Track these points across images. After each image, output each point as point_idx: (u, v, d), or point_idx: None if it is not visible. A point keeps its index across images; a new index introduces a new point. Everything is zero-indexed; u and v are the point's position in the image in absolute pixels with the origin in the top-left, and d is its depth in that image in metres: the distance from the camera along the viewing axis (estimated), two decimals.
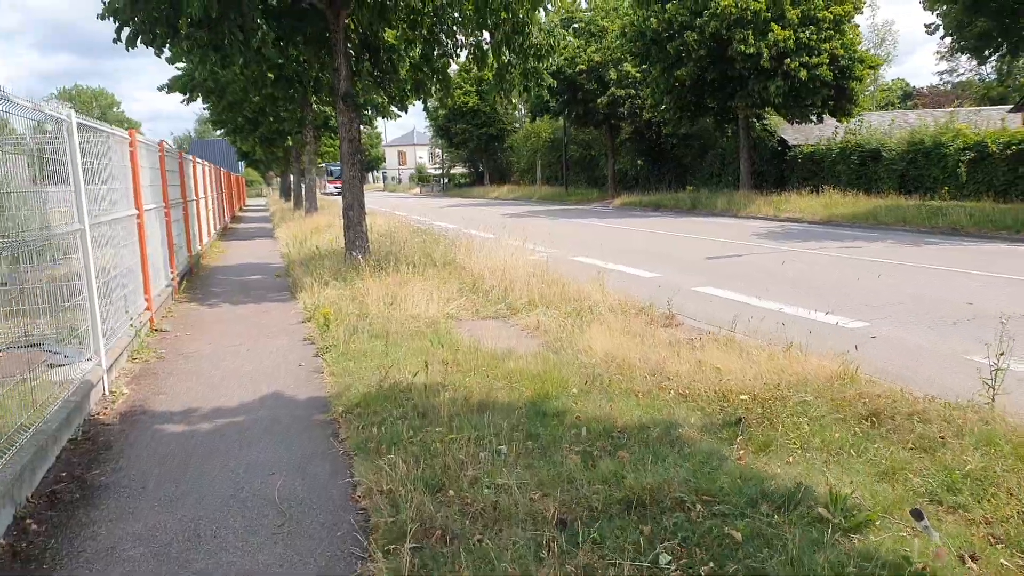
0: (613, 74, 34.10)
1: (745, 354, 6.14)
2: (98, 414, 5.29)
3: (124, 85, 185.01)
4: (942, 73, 41.15)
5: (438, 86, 12.05)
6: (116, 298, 6.56)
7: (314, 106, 21.13)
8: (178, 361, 6.82)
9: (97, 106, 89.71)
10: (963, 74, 37.55)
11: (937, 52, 45.36)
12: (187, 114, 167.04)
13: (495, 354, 6.30)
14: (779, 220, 21.95)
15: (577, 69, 34.52)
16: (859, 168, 24.90)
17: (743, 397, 5.17)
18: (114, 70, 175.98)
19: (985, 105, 36.52)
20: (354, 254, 11.24)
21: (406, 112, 14.10)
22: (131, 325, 6.96)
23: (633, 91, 34.27)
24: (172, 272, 10.44)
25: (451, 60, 12.12)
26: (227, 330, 8.20)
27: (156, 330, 8.12)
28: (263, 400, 5.61)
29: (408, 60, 12.22)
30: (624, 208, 31.16)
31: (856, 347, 5.87)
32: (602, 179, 43.13)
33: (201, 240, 15.68)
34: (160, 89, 21.59)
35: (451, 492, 3.74)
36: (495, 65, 11.38)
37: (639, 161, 39.51)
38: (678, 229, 20.16)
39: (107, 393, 5.68)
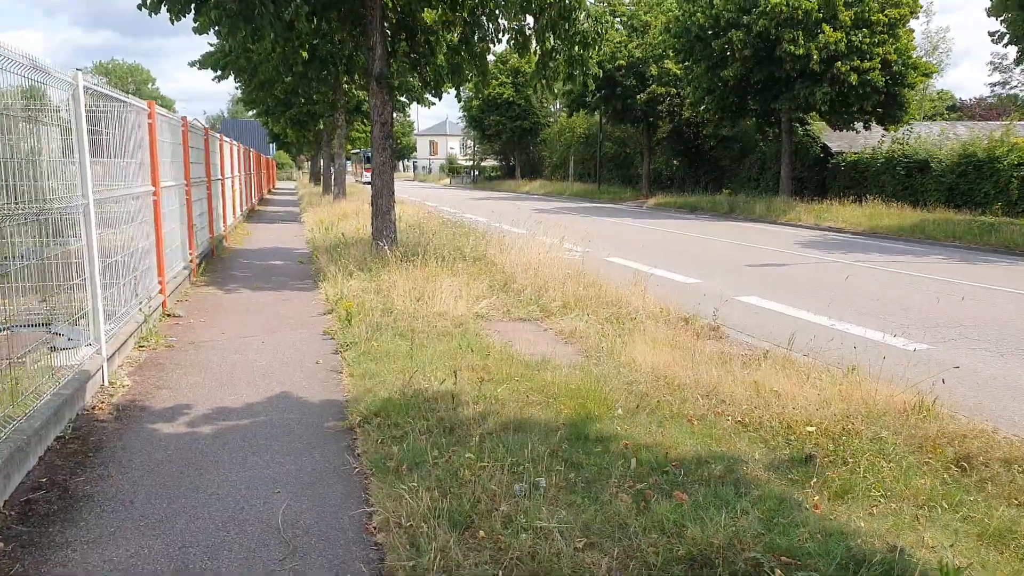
0: (653, 70, 33.31)
1: (805, 377, 5.52)
2: (93, 408, 4.82)
3: (162, 64, 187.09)
4: (994, 85, 39.77)
5: (475, 72, 11.49)
6: (125, 280, 6.10)
7: (346, 87, 20.68)
8: (187, 351, 6.35)
9: (132, 82, 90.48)
10: (1016, 86, 36.18)
11: (991, 63, 43.86)
12: (222, 94, 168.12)
13: (529, 363, 5.75)
14: (820, 229, 21.10)
15: (617, 64, 33.75)
16: (905, 179, 23.92)
17: (809, 429, 4.57)
18: (154, 48, 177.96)
19: None
20: (381, 244, 10.74)
21: (440, 99, 13.53)
22: (140, 310, 6.51)
23: (674, 89, 33.46)
24: (191, 254, 10.02)
25: (491, 45, 11.55)
26: (243, 319, 7.73)
27: (169, 315, 7.68)
28: (273, 401, 5.11)
29: (446, 43, 11.67)
30: (658, 209, 30.40)
31: (942, 380, 5.20)
32: (635, 178, 42.32)
33: (225, 221, 15.31)
34: (192, 65, 21.33)
35: (481, 532, 3.19)
36: (538, 52, 10.78)
37: (675, 161, 38.64)
38: (715, 233, 19.43)
39: (106, 384, 5.22)
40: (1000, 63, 37.22)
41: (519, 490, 3.54)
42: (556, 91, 11.10)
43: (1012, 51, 19.98)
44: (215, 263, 11.87)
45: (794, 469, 4.02)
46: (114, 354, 5.51)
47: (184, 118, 9.80)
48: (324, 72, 21.14)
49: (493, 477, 3.62)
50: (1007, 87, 37.18)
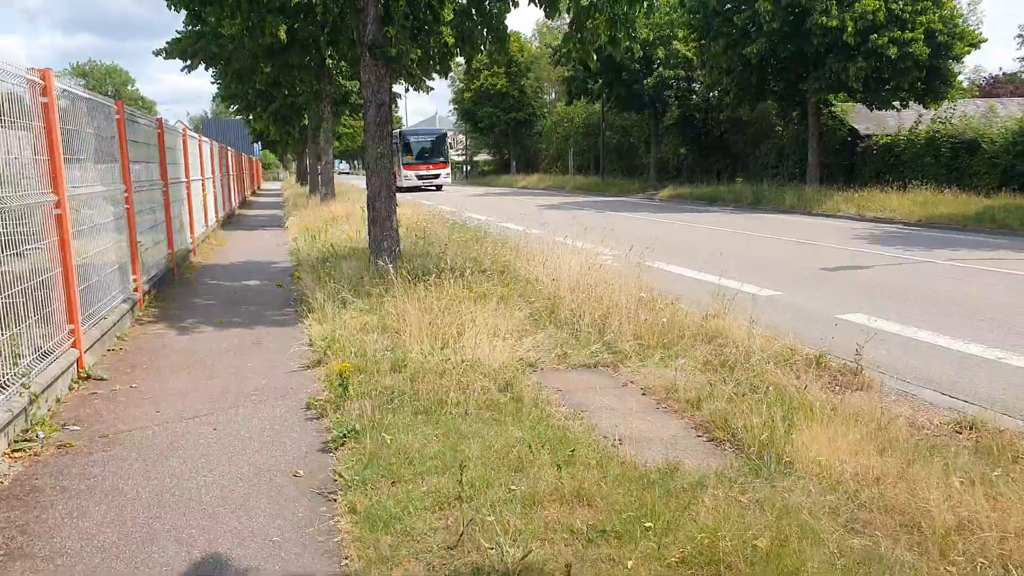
0: (660, 53, 31.07)
1: None
2: None
3: (146, 67, 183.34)
4: (1022, 59, 37.65)
5: (490, 39, 9.18)
6: None
7: (330, 62, 18.25)
8: (90, 458, 4.04)
9: (111, 83, 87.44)
10: None
11: (1019, 35, 41.72)
12: (207, 95, 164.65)
13: (647, 477, 3.48)
14: (866, 220, 18.91)
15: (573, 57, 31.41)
16: (950, 162, 21.74)
17: None
18: (137, 51, 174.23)
19: None
20: (381, 259, 8.45)
21: (445, 76, 11.04)
22: (24, 387, 4.21)
23: (683, 72, 31.22)
24: (135, 280, 7.71)
25: (509, 6, 9.26)
26: (193, 382, 5.43)
27: (86, 378, 5.37)
28: None
29: (453, 5, 9.36)
30: (674, 201, 28.14)
31: None
32: (640, 168, 40.06)
33: (193, 232, 12.97)
34: (157, 54, 18.88)
35: None
36: (571, 11, 8.51)
37: (682, 150, 36.36)
38: (753, 228, 17.18)
39: None
40: None
41: None
42: (593, 59, 8.68)
43: None
44: (174, 287, 9.53)
45: None
46: None
47: (120, 102, 7.48)
48: (306, 58, 18.81)
49: None
50: None
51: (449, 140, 40.25)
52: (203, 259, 12.28)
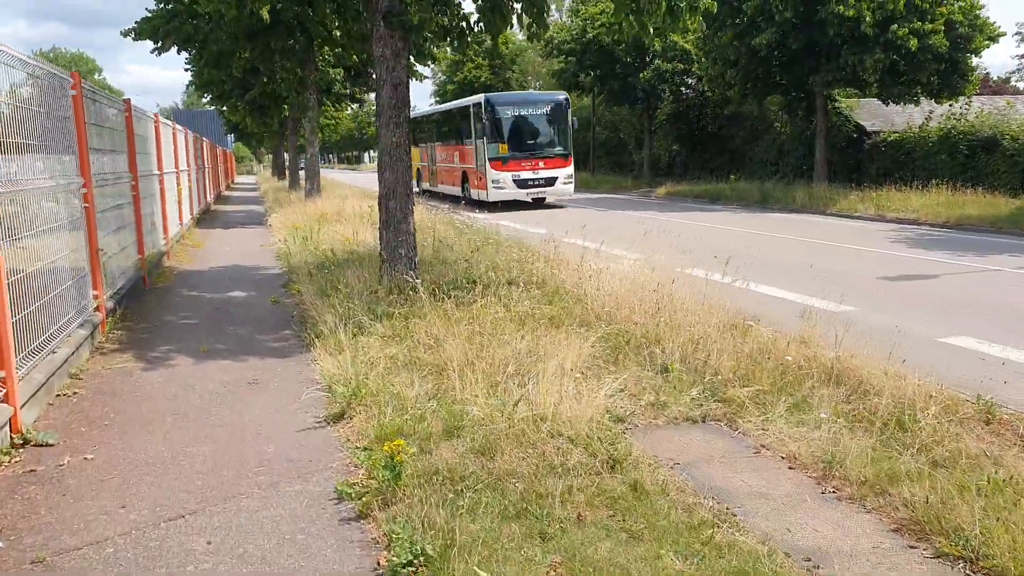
0: (657, 44, 29.86)
1: None
2: None
3: (115, 57, 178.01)
4: (1021, 57, 37.02)
5: (529, 11, 7.76)
6: None
7: (326, 29, 16.68)
8: None
9: (77, 72, 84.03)
10: None
11: (1017, 33, 41.28)
12: (177, 86, 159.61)
13: None
14: (887, 220, 17.86)
15: (615, 38, 30.15)
16: (966, 160, 20.78)
17: None
18: (105, 43, 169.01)
19: None
20: (397, 269, 7.06)
21: (464, 53, 9.37)
22: None
23: (680, 65, 30.06)
24: (96, 296, 6.22)
25: None
26: (171, 449, 4.00)
27: (21, 445, 3.92)
28: None
29: None
30: (673, 199, 26.94)
31: None
32: (630, 165, 38.81)
33: (167, 231, 11.43)
34: (125, 35, 17.16)
35: None
36: None
37: (674, 146, 35.21)
38: (772, 229, 16.01)
39: None
40: None
41: None
42: (650, 34, 7.27)
43: None
44: (145, 301, 8.03)
45: None
46: None
47: (75, 73, 5.99)
48: (290, 40, 17.25)
49: None
50: None
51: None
52: (179, 264, 10.74)
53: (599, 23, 29.52)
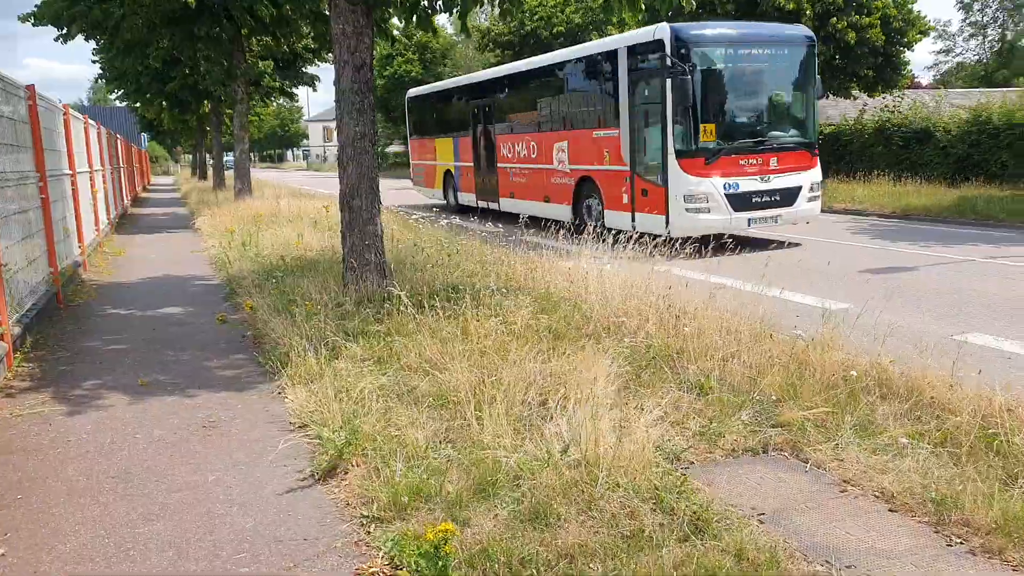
0: (595, 38, 29.51)
1: None
2: None
3: (12, 52, 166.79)
4: (938, 52, 38.61)
5: None
6: None
7: (247, 34, 15.47)
8: None
9: None
10: (961, 53, 34.92)
11: (934, 28, 42.65)
12: (83, 83, 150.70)
13: None
14: (835, 212, 17.89)
15: (554, 31, 29.69)
16: (901, 151, 21.18)
17: None
18: (3, 35, 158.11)
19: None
20: (366, 277, 6.18)
21: (434, 33, 8.21)
22: None
23: None
24: None
25: None
26: (115, 538, 3.06)
27: None
28: None
29: None
30: None
31: None
32: None
33: (82, 238, 10.11)
34: (25, 20, 15.40)
35: None
36: None
37: None
38: None
39: None
40: (943, 31, 35.87)
41: None
42: (640, 9, 6.58)
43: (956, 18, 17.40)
44: (62, 323, 6.84)
45: None
46: None
47: None
48: (215, 28, 15.89)
49: None
50: (950, 55, 35.88)
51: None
52: (99, 276, 9.46)
53: (537, 16, 28.97)
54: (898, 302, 7.59)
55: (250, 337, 6.00)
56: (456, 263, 7.30)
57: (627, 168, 11.23)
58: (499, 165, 15.53)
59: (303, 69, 21.74)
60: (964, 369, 4.24)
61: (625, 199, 11.39)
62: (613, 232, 7.51)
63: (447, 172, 18.14)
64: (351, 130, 6.22)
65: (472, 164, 16.82)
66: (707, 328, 5.08)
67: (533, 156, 14.23)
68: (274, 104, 40.13)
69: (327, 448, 3.55)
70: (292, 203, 15.46)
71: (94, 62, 22.75)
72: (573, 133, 12.91)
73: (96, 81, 41.81)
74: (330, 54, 20.56)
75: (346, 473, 3.41)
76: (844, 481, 3.41)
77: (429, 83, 47.95)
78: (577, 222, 11.94)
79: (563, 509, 2.87)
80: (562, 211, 13.06)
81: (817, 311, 5.63)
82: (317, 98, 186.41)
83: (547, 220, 11.20)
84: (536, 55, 29.37)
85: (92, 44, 19.00)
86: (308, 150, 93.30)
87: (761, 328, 5.18)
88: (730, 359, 4.61)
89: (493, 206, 15.90)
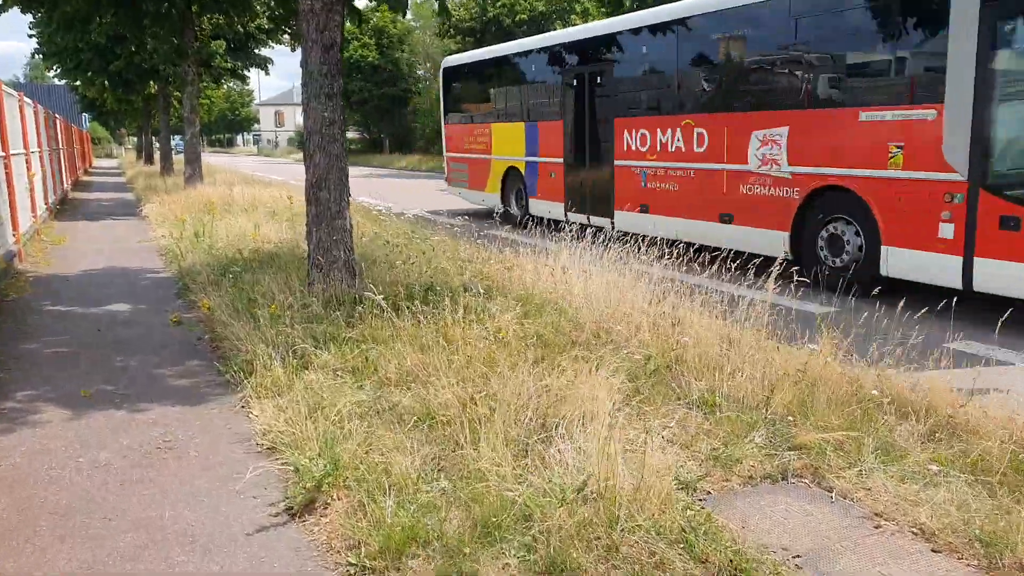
0: (559, 27, 29.16)
1: None
2: None
3: None
4: None
5: None
6: None
7: (198, 11, 14.65)
8: None
9: None
10: None
11: None
12: (18, 60, 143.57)
13: None
14: None
15: (517, 19, 29.24)
16: None
17: None
18: None
19: None
20: (334, 276, 5.72)
21: (404, 14, 7.65)
22: None
23: None
24: None
25: None
26: None
27: None
28: None
29: None
30: None
31: None
32: None
33: (17, 225, 9.34)
34: None
35: None
36: None
37: None
38: None
39: None
40: None
41: None
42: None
43: None
44: None
45: None
46: None
47: None
48: (165, 4, 14.99)
49: None
50: None
51: None
52: (36, 267, 8.72)
53: (500, 3, 28.45)
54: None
55: (207, 340, 5.48)
56: (428, 259, 6.87)
57: (958, 176, 6.32)
58: (617, 163, 10.44)
59: (256, 51, 20.88)
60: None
61: (945, 232, 6.46)
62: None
63: (510, 170, 13.16)
64: (319, 115, 5.72)
65: (561, 160, 11.72)
66: (704, 338, 4.78)
67: (698, 150, 9.03)
68: (225, 87, 38.72)
69: (304, 479, 3.12)
70: (246, 191, 14.73)
71: (31, 36, 21.41)
72: (803, 115, 7.72)
73: (33, 57, 39.71)
74: (285, 35, 19.65)
75: (326, 507, 2.99)
76: (876, 515, 3.13)
77: (389, 68, 46.81)
78: (802, 260, 7.64)
79: (580, 558, 2.52)
80: (765, 240, 8.16)
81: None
82: (269, 82, 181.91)
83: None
84: (497, 42, 28.95)
85: (28, 17, 17.84)
86: (259, 135, 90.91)
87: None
88: (736, 373, 4.32)
89: (601, 222, 10.66)
